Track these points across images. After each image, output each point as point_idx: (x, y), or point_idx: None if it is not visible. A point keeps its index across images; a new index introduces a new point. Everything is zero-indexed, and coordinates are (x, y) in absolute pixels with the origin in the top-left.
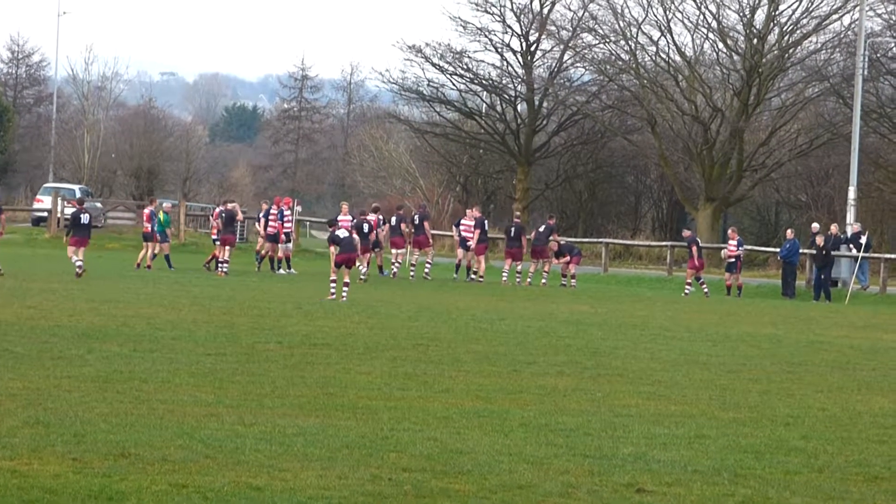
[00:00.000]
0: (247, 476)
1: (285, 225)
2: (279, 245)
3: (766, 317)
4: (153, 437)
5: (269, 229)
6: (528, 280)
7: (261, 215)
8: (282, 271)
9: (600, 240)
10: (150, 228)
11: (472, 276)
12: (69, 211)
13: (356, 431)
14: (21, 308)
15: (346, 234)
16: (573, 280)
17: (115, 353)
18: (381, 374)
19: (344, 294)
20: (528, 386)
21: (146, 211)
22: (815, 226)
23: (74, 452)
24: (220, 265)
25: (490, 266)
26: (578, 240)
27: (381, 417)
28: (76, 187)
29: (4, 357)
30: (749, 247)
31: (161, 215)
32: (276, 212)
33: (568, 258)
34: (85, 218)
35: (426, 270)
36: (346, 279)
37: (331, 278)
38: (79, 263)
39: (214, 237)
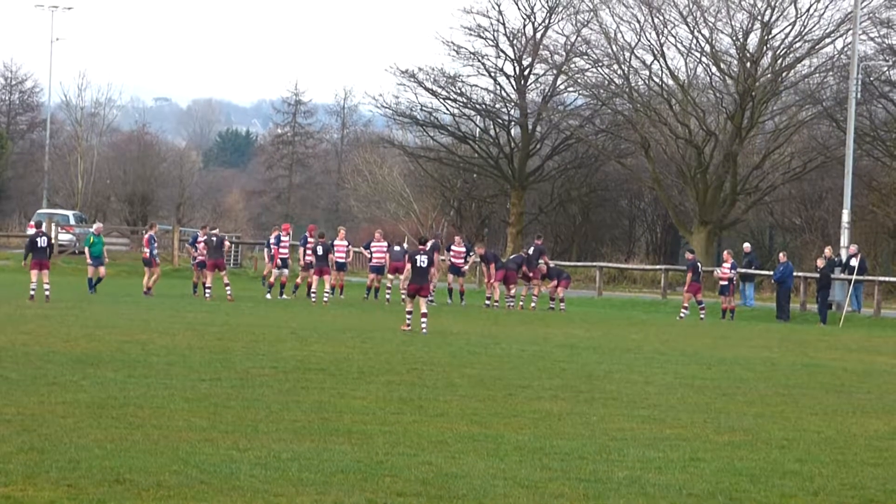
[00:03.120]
0: (241, 501)
1: (281, 251)
2: (281, 271)
3: (760, 340)
4: (148, 462)
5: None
6: (521, 304)
7: (271, 241)
8: (284, 296)
9: (594, 263)
10: (148, 254)
11: (487, 301)
12: (65, 237)
13: (351, 456)
14: (15, 333)
15: (424, 261)
16: (562, 304)
17: (110, 379)
18: (376, 398)
19: (423, 325)
20: (522, 410)
21: (146, 236)
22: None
23: (69, 479)
24: (206, 290)
25: (472, 290)
26: (572, 264)
27: (376, 442)
28: (70, 213)
29: None
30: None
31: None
32: (285, 238)
33: (556, 282)
34: (42, 241)
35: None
36: (424, 309)
37: (406, 309)
38: (33, 288)
39: (195, 261)
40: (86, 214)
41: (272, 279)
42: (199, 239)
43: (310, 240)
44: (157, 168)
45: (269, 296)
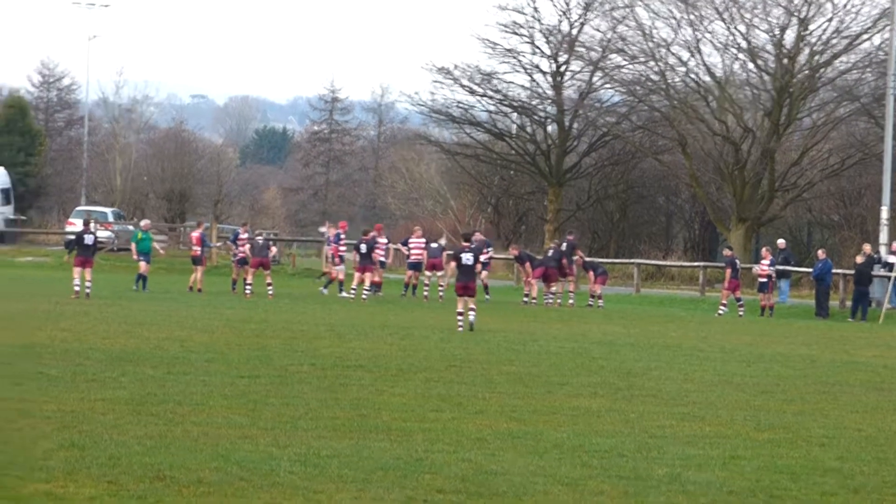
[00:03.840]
0: (281, 498)
1: (340, 248)
2: (337, 268)
3: (799, 337)
4: (188, 459)
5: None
6: (558, 301)
7: (331, 240)
8: (343, 294)
9: (632, 260)
10: (199, 252)
11: (524, 300)
12: (103, 234)
13: (390, 453)
14: (55, 331)
15: (470, 259)
16: (600, 301)
17: (149, 376)
18: (415, 395)
19: (472, 318)
20: (561, 407)
21: (195, 234)
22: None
23: (109, 475)
24: (246, 287)
25: (510, 287)
26: (610, 261)
27: (415, 439)
28: (108, 210)
29: (39, 380)
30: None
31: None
32: (343, 236)
33: (593, 274)
34: (89, 239)
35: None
36: (472, 305)
37: (457, 310)
38: (77, 285)
39: (236, 258)
40: (124, 211)
41: (332, 274)
42: (241, 236)
43: (342, 237)
44: (194, 165)
45: (324, 290)
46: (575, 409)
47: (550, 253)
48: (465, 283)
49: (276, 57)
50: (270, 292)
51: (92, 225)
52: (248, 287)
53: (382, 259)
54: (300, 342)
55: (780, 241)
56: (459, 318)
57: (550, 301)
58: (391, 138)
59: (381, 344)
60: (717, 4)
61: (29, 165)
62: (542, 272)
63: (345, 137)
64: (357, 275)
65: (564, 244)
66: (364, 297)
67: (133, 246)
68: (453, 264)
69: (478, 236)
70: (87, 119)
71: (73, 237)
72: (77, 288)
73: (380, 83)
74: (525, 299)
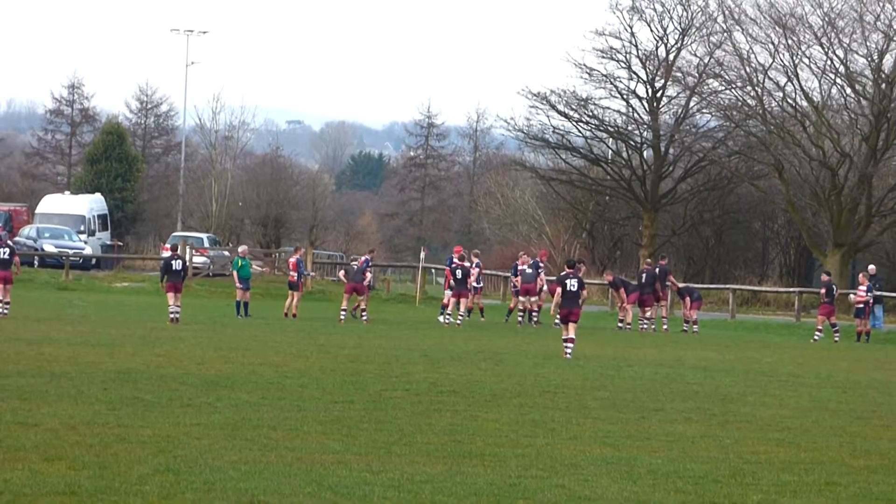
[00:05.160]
0: None
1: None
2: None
3: None
4: (282, 484)
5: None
6: (653, 327)
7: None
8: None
9: (727, 286)
10: (295, 277)
11: (619, 325)
12: (199, 260)
13: (484, 479)
14: (150, 356)
15: (574, 285)
16: (695, 326)
17: (244, 401)
18: (509, 421)
19: (568, 350)
20: (655, 433)
21: (292, 259)
22: None
23: (204, 500)
24: (341, 312)
25: (604, 313)
26: (705, 286)
27: (509, 465)
28: (204, 235)
29: (135, 405)
30: (879, 293)
31: (240, 261)
32: (457, 261)
33: (688, 300)
34: (177, 264)
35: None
36: (572, 334)
37: (563, 336)
38: (174, 311)
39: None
40: (219, 237)
41: (444, 300)
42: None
43: (455, 261)
44: (290, 191)
45: (441, 318)
46: (669, 434)
47: (644, 276)
48: (569, 309)
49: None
50: (365, 318)
51: (180, 250)
52: (342, 314)
53: (477, 284)
54: (394, 367)
55: (871, 267)
56: (566, 345)
57: (645, 326)
58: (486, 163)
59: (474, 369)
60: (816, 30)
61: (126, 191)
62: (636, 297)
63: (440, 163)
64: (452, 300)
65: (658, 268)
66: (459, 321)
67: (234, 273)
68: (559, 290)
69: (524, 259)
70: (184, 145)
71: (161, 263)
72: (172, 314)
73: (476, 108)
74: (619, 325)
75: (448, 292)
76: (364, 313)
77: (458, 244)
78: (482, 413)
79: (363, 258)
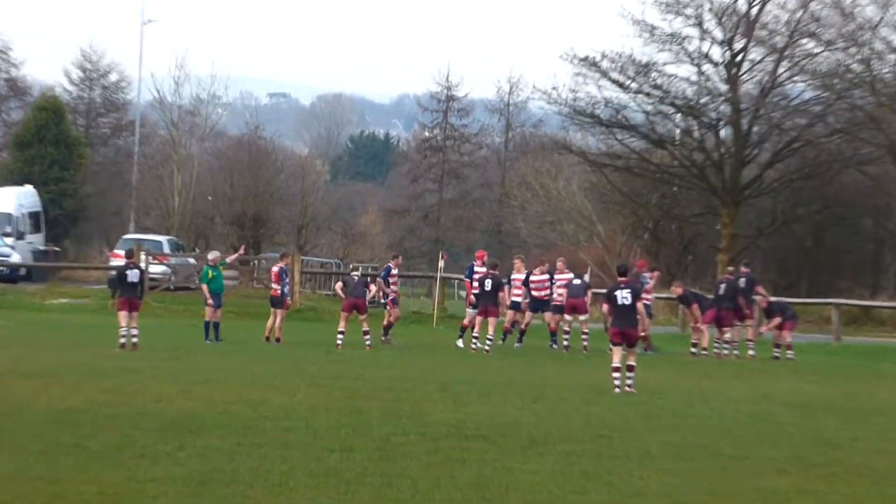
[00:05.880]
0: None
1: (475, 285)
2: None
3: None
4: None
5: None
6: (735, 352)
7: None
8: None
9: (830, 300)
10: (279, 291)
11: (694, 349)
12: (157, 270)
13: None
14: (95, 392)
15: (628, 298)
16: (789, 351)
17: (214, 449)
18: (552, 473)
19: (629, 382)
20: (740, 488)
21: (274, 269)
22: None
23: None
24: (338, 336)
25: (675, 335)
26: (801, 300)
27: None
28: (164, 239)
29: (75, 454)
30: None
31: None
32: (481, 269)
33: (779, 320)
34: (133, 275)
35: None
36: (630, 361)
37: (613, 364)
38: (124, 335)
39: (383, 300)
40: (183, 241)
41: (465, 321)
42: (393, 272)
43: (477, 269)
44: (272, 182)
45: (460, 342)
46: (758, 490)
47: (722, 290)
48: (623, 328)
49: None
50: (368, 342)
51: (141, 257)
52: (339, 337)
53: (516, 299)
54: (405, 405)
55: None
56: (616, 374)
57: (726, 352)
58: (521, 146)
59: (508, 407)
60: None
61: (65, 183)
62: (713, 315)
63: (463, 145)
64: (478, 318)
65: (743, 279)
66: (487, 347)
67: (204, 287)
68: (607, 306)
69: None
70: (139, 124)
71: (114, 274)
72: (123, 339)
73: (507, 77)
74: (693, 350)
75: (471, 311)
76: (367, 336)
77: (483, 248)
78: (518, 463)
79: (388, 266)
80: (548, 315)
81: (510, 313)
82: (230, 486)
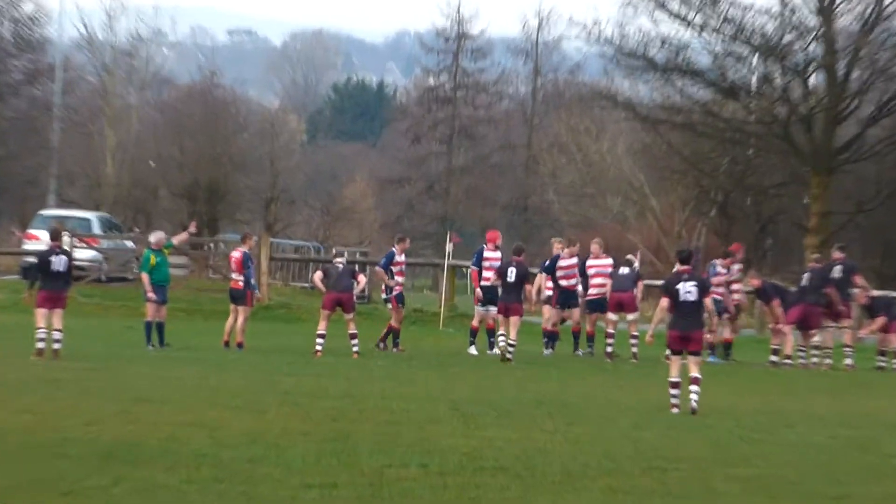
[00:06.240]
0: None
1: (486, 274)
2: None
3: None
4: None
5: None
6: (828, 360)
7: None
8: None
9: None
10: (241, 283)
11: (774, 357)
12: (84, 255)
13: None
14: (7, 412)
15: (693, 293)
16: None
17: (159, 485)
18: None
19: (693, 397)
20: None
21: (235, 255)
22: None
23: None
24: (317, 340)
25: (749, 338)
26: None
27: None
28: (93, 215)
29: None
30: None
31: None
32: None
33: (884, 320)
34: (59, 262)
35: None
36: (696, 372)
37: (671, 377)
38: (42, 337)
39: (385, 295)
40: (118, 218)
41: (475, 322)
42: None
43: (488, 255)
44: (233, 142)
45: (473, 350)
46: None
47: (810, 279)
48: (685, 332)
49: None
50: (355, 349)
51: (66, 240)
52: (319, 341)
53: (550, 292)
54: (404, 429)
55: None
56: (674, 391)
57: (815, 360)
58: (553, 98)
59: (535, 432)
60: None
61: None
62: (799, 314)
63: (478, 97)
64: (500, 317)
65: (838, 267)
66: (510, 353)
67: (145, 277)
68: (664, 302)
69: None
70: (62, 69)
71: (34, 261)
72: (41, 343)
73: (535, 9)
74: (773, 358)
75: (480, 308)
76: (355, 341)
77: (506, 227)
78: (548, 503)
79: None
80: (575, 313)
81: (555, 312)
82: None
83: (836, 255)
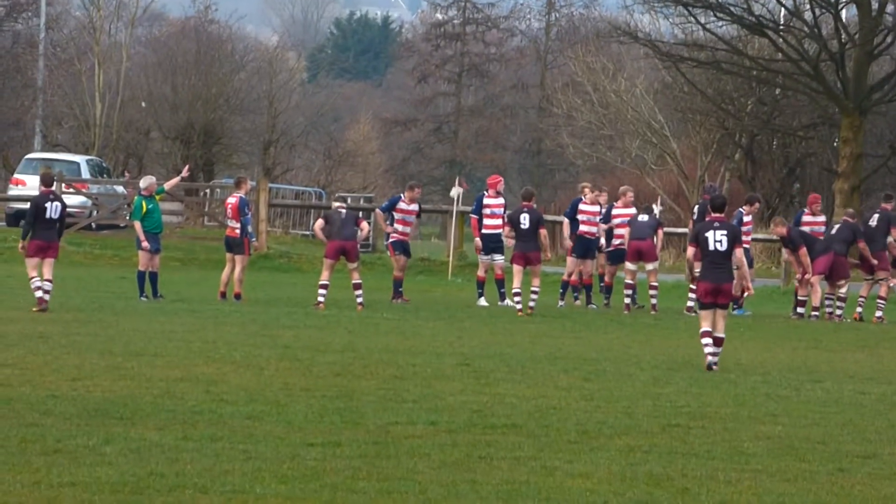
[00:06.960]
0: None
1: (487, 222)
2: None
3: None
4: None
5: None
6: (858, 311)
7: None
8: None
9: None
10: (238, 231)
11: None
12: (74, 201)
13: None
14: None
15: (723, 241)
16: None
17: (153, 444)
18: (609, 475)
19: (713, 356)
20: (865, 496)
21: (232, 201)
22: None
23: None
24: (320, 291)
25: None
26: None
27: None
28: (82, 159)
29: None
30: None
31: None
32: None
33: None
34: (53, 209)
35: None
36: (721, 331)
37: (702, 328)
38: (38, 285)
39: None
40: (108, 162)
41: (480, 272)
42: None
43: (488, 201)
44: (229, 82)
45: (482, 301)
46: (888, 499)
47: (839, 228)
48: (717, 283)
49: None
50: (360, 300)
51: (57, 185)
52: (321, 294)
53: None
54: (411, 385)
55: None
56: (707, 341)
57: (840, 312)
58: (568, 34)
59: (550, 388)
60: None
61: None
62: (827, 263)
63: (489, 33)
64: (515, 267)
65: (875, 216)
66: (532, 305)
67: (137, 225)
68: (692, 250)
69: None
70: (45, 1)
71: (23, 208)
72: (40, 292)
73: None
74: (800, 310)
75: (483, 257)
76: (359, 291)
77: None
78: (563, 463)
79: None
80: (589, 264)
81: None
82: (174, 494)
83: (884, 206)
